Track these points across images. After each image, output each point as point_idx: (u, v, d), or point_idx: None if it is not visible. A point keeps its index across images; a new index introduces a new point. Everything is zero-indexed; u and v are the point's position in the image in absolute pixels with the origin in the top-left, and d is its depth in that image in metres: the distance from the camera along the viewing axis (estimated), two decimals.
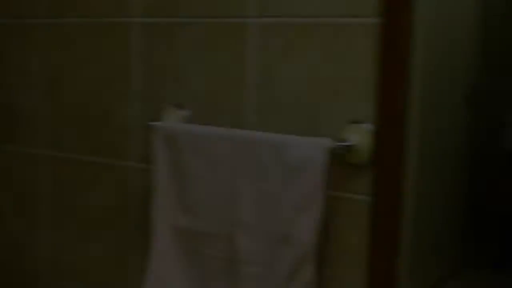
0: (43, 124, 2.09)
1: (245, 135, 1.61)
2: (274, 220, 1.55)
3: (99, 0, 1.92)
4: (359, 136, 1.51)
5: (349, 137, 1.52)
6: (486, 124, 3.58)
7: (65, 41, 2.01)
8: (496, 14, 3.61)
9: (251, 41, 1.67)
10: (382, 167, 1.49)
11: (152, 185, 1.75)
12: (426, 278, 2.61)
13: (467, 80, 2.95)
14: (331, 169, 1.51)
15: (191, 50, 1.77)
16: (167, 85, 1.82)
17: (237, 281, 1.61)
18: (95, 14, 1.94)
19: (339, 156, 1.52)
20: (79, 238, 2.06)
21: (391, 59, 1.48)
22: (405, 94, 1.50)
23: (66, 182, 2.06)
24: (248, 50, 1.67)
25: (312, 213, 1.50)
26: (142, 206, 1.88)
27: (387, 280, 1.51)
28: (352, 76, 1.53)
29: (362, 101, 1.52)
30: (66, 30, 2.00)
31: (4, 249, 2.25)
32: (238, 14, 1.68)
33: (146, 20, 1.84)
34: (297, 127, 1.60)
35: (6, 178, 2.21)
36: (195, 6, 1.75)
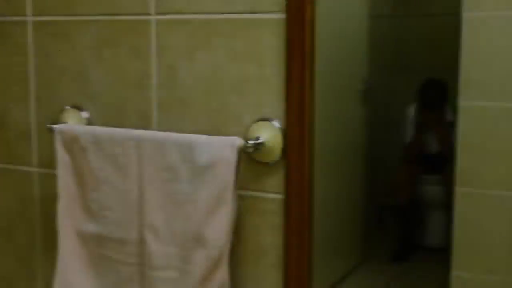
0: None
1: (151, 136, 1.57)
2: (185, 222, 1.52)
3: None
4: (269, 134, 1.50)
5: (258, 135, 1.50)
6: (381, 119, 3.69)
7: None
8: (384, 15, 3.74)
9: (153, 39, 1.62)
10: (292, 164, 1.49)
11: (56, 190, 1.68)
12: (331, 274, 2.66)
13: (361, 76, 3.03)
14: (241, 168, 1.50)
15: (90, 49, 1.71)
16: (66, 85, 1.75)
17: (150, 287, 1.57)
18: None
19: (249, 155, 1.50)
20: None
21: (296, 54, 1.47)
22: (312, 89, 1.49)
23: None
24: (150, 48, 1.63)
25: (224, 214, 1.48)
26: (46, 212, 1.81)
27: (301, 278, 1.50)
28: (259, 73, 1.51)
29: (271, 98, 1.50)
30: None
31: None
32: (139, 11, 1.63)
33: (41, 19, 1.76)
34: (205, 126, 1.57)
35: None
36: (93, 4, 1.69)
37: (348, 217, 2.95)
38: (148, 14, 1.62)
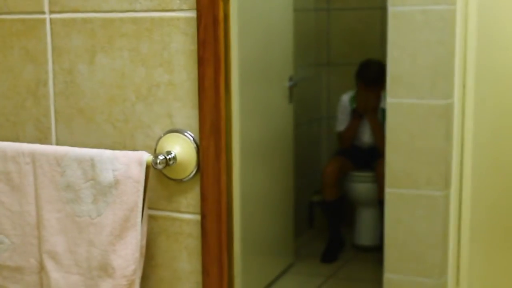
0: None
1: (48, 150, 1.42)
2: (89, 248, 1.38)
3: None
4: (181, 147, 1.35)
5: (169, 149, 1.35)
6: (309, 115, 3.61)
7: None
8: (307, 9, 3.66)
9: (48, 41, 1.46)
10: (208, 181, 1.34)
11: None
12: (263, 277, 2.56)
13: (288, 72, 2.94)
14: (152, 186, 1.36)
15: None
16: None
17: None
18: None
19: (160, 171, 1.36)
20: None
21: (209, 57, 1.33)
22: (229, 96, 1.35)
23: None
24: (45, 51, 1.47)
25: (132, 238, 1.34)
26: None
27: None
28: (168, 79, 1.37)
29: (183, 107, 1.36)
30: None
31: None
32: (31, 9, 1.47)
33: None
34: (109, 139, 1.43)
35: None
36: None
37: (278, 218, 2.88)
38: (42, 12, 1.46)
